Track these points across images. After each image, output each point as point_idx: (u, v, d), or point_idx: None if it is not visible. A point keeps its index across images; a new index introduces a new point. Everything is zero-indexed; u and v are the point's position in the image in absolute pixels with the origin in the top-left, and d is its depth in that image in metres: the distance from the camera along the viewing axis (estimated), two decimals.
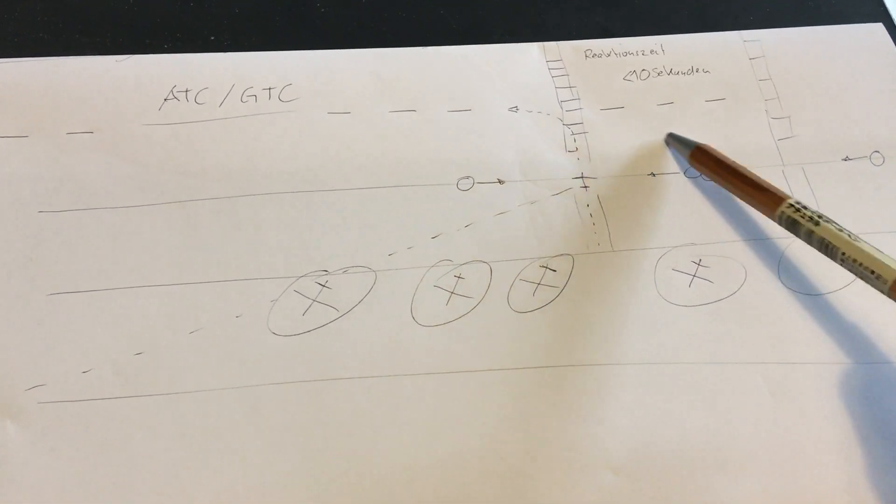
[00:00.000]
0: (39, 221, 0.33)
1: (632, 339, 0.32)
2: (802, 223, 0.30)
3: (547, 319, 0.32)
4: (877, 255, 0.28)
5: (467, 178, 0.35)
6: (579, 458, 0.29)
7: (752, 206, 0.33)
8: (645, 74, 0.39)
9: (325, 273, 0.33)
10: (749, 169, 0.34)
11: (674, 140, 0.37)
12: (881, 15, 0.42)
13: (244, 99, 0.36)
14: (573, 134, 0.37)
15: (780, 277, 0.34)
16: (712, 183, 0.36)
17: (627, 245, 0.34)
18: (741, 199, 0.34)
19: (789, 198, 0.31)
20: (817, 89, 0.39)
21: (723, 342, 0.32)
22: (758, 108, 0.38)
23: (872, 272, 0.28)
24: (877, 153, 0.37)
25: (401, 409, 0.30)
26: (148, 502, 0.28)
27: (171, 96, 0.36)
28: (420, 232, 0.34)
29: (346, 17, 0.41)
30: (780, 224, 0.31)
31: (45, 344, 0.30)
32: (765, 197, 0.32)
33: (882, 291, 0.28)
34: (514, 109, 0.37)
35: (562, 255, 0.34)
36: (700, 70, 0.39)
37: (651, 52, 0.40)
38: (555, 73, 0.39)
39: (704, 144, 0.35)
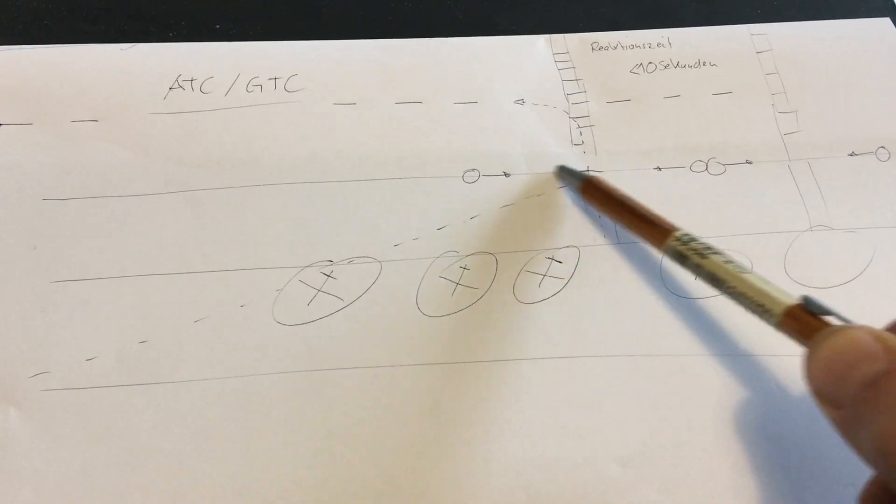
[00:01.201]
0: (43, 209, 0.32)
1: (638, 331, 0.32)
2: (689, 256, 0.29)
3: (553, 310, 0.32)
4: (763, 287, 0.27)
5: (473, 170, 0.35)
6: (585, 450, 0.29)
7: (642, 238, 0.32)
8: (652, 67, 0.39)
9: (330, 263, 0.32)
10: (639, 202, 0.32)
11: (563, 172, 0.35)
12: (889, 9, 0.42)
13: (249, 89, 0.36)
14: (579, 127, 0.37)
15: (786, 270, 0.34)
16: (717, 177, 0.36)
17: (633, 238, 0.34)
18: (631, 232, 0.32)
19: (677, 230, 0.30)
20: (824, 84, 0.39)
21: (729, 334, 0.32)
22: (764, 102, 0.38)
23: (760, 306, 0.27)
24: (882, 149, 0.37)
25: (405, 399, 0.30)
26: (151, 490, 0.28)
27: (176, 85, 0.36)
28: (426, 223, 0.34)
29: (352, 7, 0.40)
30: (668, 257, 0.30)
31: (49, 332, 0.30)
32: (652, 230, 0.31)
33: (771, 325, 0.26)
34: (521, 102, 0.37)
35: (568, 246, 0.34)
36: (707, 63, 0.39)
37: (658, 45, 0.39)
38: (561, 65, 0.39)
39: (593, 176, 0.34)
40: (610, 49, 0.39)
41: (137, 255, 0.32)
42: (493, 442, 0.29)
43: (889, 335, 0.23)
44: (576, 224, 0.34)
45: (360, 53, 0.38)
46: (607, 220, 0.34)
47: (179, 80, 0.36)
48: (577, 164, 0.36)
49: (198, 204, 0.33)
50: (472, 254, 0.33)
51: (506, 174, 0.35)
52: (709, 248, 0.29)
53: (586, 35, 0.40)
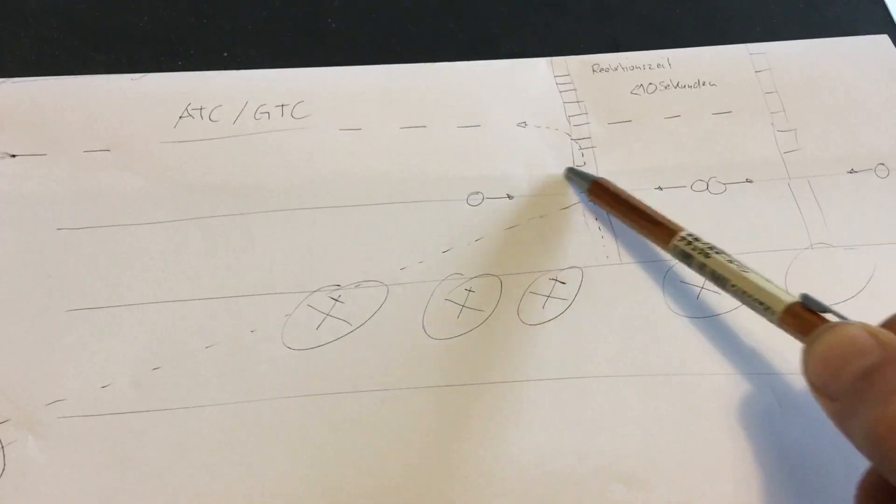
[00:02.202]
0: (58, 238, 0.33)
1: (641, 351, 0.32)
2: (694, 255, 0.30)
3: (557, 332, 0.33)
4: (765, 286, 0.28)
5: (477, 193, 0.36)
6: (589, 469, 0.30)
7: (649, 238, 0.33)
8: (652, 88, 0.39)
9: (337, 287, 0.33)
10: (645, 203, 0.34)
11: (573, 174, 0.36)
12: (887, 26, 0.42)
13: (257, 116, 0.37)
14: (581, 148, 0.38)
15: (787, 288, 0.34)
16: (718, 196, 0.36)
17: (635, 258, 0.35)
18: (638, 232, 0.34)
19: (682, 230, 0.31)
20: (823, 102, 0.39)
21: (731, 353, 0.32)
22: (764, 120, 0.39)
23: (761, 303, 0.28)
24: (882, 165, 0.38)
25: (413, 422, 0.31)
26: None
27: (186, 114, 0.36)
28: (431, 246, 0.34)
29: (357, 32, 0.41)
30: (674, 256, 0.32)
31: (65, 359, 0.31)
32: (658, 230, 0.32)
33: (772, 322, 0.28)
34: (523, 125, 0.38)
35: (571, 267, 0.34)
36: (706, 83, 0.40)
37: (658, 65, 0.40)
38: (562, 87, 0.39)
39: (602, 179, 0.35)
40: (610, 71, 0.40)
41: (150, 282, 0.33)
42: (499, 462, 0.30)
43: (882, 331, 0.24)
44: (579, 245, 0.35)
45: (364, 79, 0.38)
46: (610, 241, 0.35)
47: (189, 108, 0.37)
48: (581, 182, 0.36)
49: (208, 231, 0.34)
50: (477, 276, 0.34)
51: (509, 196, 0.36)
52: (712, 247, 0.30)
53: (587, 57, 0.40)
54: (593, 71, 0.40)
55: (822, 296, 0.34)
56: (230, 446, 0.30)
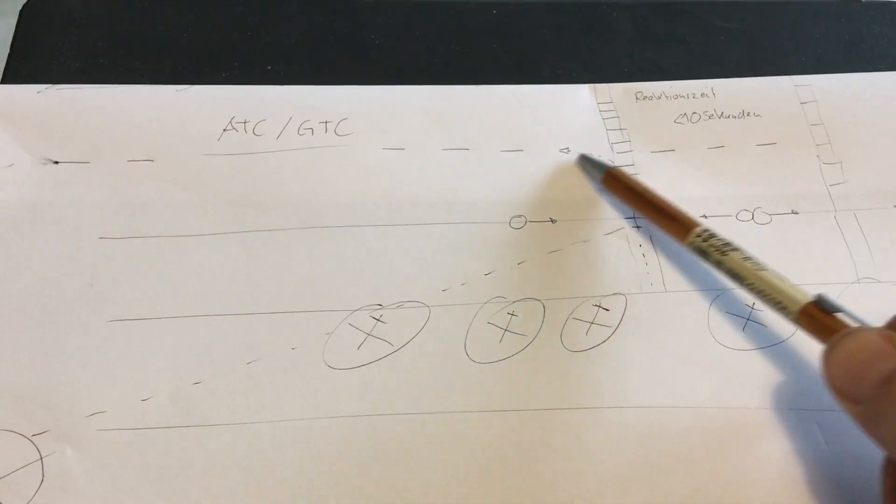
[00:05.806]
0: (100, 247, 0.33)
1: (684, 382, 0.32)
2: (710, 252, 0.31)
3: (600, 359, 0.32)
4: (781, 285, 0.29)
5: (520, 216, 0.36)
6: (633, 502, 0.29)
7: (664, 231, 0.34)
8: (696, 117, 0.39)
9: (379, 307, 0.33)
10: (660, 195, 0.34)
11: (585, 162, 0.37)
12: None
13: (301, 132, 0.37)
14: None
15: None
16: (763, 226, 0.36)
17: (680, 286, 0.34)
18: (653, 224, 0.34)
19: (699, 226, 0.32)
20: (870, 135, 0.39)
21: (777, 387, 0.32)
22: (809, 153, 0.38)
23: (778, 302, 0.29)
24: None
25: (454, 447, 0.30)
26: None
27: (230, 127, 0.36)
28: (473, 269, 0.34)
29: (400, 50, 0.41)
30: (691, 251, 0.32)
31: (106, 371, 0.30)
32: (674, 224, 0.33)
33: (790, 321, 0.29)
34: (566, 151, 0.38)
35: (615, 294, 0.34)
36: (751, 114, 0.39)
37: (702, 95, 0.40)
38: (605, 114, 0.39)
39: (616, 168, 0.36)
40: (654, 99, 0.40)
41: (192, 295, 0.32)
42: (540, 491, 0.29)
43: None
44: (623, 271, 0.34)
45: (408, 99, 0.38)
46: (654, 268, 0.35)
47: (233, 122, 0.37)
48: (624, 211, 0.36)
49: (250, 245, 0.34)
50: (520, 300, 0.33)
51: (552, 220, 0.36)
52: (728, 244, 0.31)
53: (630, 85, 0.40)
54: (636, 99, 0.40)
55: None
56: (269, 466, 0.29)
